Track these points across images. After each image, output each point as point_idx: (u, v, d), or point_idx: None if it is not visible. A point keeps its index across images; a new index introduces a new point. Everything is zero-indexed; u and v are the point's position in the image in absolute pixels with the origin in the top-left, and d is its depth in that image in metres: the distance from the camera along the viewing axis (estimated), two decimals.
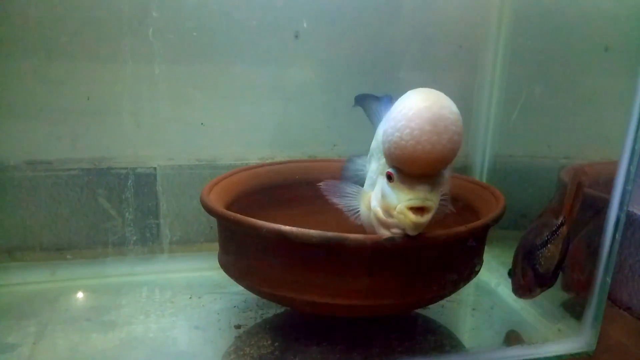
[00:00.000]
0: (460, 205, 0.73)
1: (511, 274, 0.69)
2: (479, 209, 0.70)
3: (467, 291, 0.78)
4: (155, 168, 0.82)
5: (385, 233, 0.55)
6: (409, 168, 0.52)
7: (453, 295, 0.67)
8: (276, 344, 0.64)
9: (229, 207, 0.67)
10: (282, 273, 0.58)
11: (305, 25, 0.82)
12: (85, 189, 0.80)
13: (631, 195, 0.61)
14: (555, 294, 0.72)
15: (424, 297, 0.60)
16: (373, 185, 0.59)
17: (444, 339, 0.66)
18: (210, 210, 0.62)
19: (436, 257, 0.59)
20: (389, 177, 0.54)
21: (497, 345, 0.66)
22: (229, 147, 0.85)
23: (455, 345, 0.66)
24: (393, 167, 0.53)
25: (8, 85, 0.74)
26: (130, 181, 0.81)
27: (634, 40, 0.65)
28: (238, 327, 0.67)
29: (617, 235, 0.62)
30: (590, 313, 0.65)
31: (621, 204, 0.61)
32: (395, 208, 0.53)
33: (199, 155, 0.84)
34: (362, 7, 0.84)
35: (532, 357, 0.65)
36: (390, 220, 0.54)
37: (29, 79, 0.75)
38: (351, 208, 0.62)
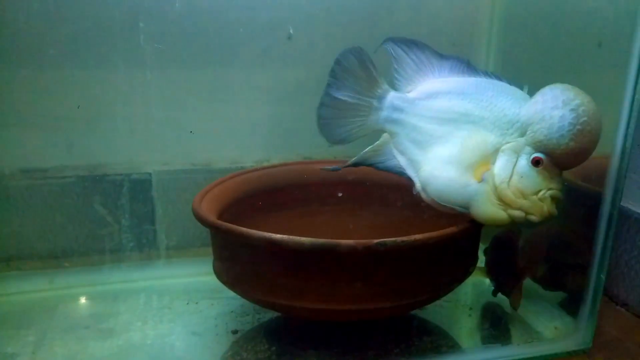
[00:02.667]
0: None
1: (485, 253, 0.74)
2: None
3: (464, 290, 0.78)
4: (150, 174, 0.82)
5: (494, 210, 0.57)
6: (570, 160, 0.56)
7: (450, 295, 0.67)
8: (273, 348, 0.64)
9: (222, 214, 0.67)
10: (276, 280, 0.58)
11: (297, 26, 0.81)
12: (81, 196, 0.80)
13: (624, 191, 0.61)
14: (551, 292, 0.73)
15: (418, 299, 0.60)
16: (485, 156, 0.58)
17: (440, 340, 0.67)
18: (201, 220, 0.62)
19: (428, 259, 0.59)
20: (537, 162, 0.55)
21: (493, 345, 0.66)
22: (223, 151, 0.85)
23: (451, 345, 0.66)
24: (543, 153, 0.55)
25: (1, 94, 0.74)
26: (125, 187, 0.81)
27: (626, 36, 0.64)
28: (235, 332, 0.68)
29: (610, 232, 0.62)
30: (585, 310, 0.65)
31: (613, 200, 0.61)
32: (535, 193, 0.56)
33: (194, 159, 0.84)
34: (353, 6, 0.84)
35: (528, 355, 0.65)
36: (520, 201, 0.56)
37: (23, 88, 0.75)
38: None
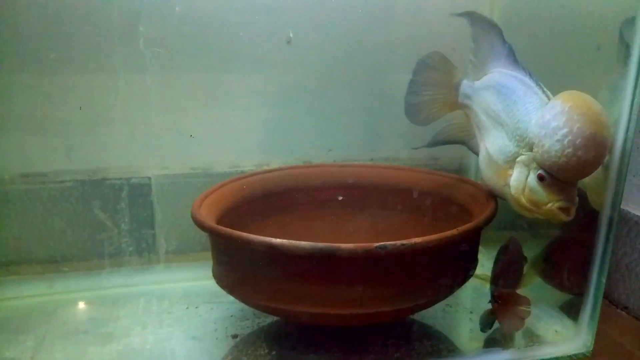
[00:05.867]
0: (455, 208, 0.74)
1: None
2: (473, 211, 0.70)
3: (465, 294, 0.78)
4: (149, 178, 0.82)
5: (520, 209, 0.61)
6: (568, 179, 0.57)
7: (450, 299, 0.67)
8: (273, 352, 0.64)
9: (221, 218, 0.67)
10: (275, 285, 0.58)
11: (296, 30, 0.81)
12: (81, 201, 0.80)
13: (624, 194, 0.61)
14: (551, 295, 0.73)
15: (418, 302, 0.60)
16: (507, 161, 0.61)
17: (441, 344, 0.67)
18: (200, 225, 0.62)
19: (429, 262, 0.59)
20: (541, 178, 0.57)
21: (494, 348, 0.66)
22: (223, 155, 0.85)
23: (452, 349, 0.66)
24: (546, 170, 0.57)
25: (1, 99, 0.74)
26: (125, 192, 0.81)
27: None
28: (235, 336, 0.68)
29: (610, 235, 0.62)
30: (586, 314, 0.65)
31: (613, 203, 0.61)
32: (545, 205, 0.57)
33: (193, 163, 0.84)
34: (353, 11, 0.84)
35: (529, 359, 0.65)
36: (534, 208, 0.59)
37: (23, 93, 0.75)
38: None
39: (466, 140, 0.73)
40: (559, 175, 0.56)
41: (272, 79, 0.84)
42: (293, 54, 0.83)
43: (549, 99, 0.58)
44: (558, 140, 0.54)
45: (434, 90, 0.73)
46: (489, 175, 0.65)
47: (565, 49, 0.76)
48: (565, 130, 0.53)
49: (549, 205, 0.57)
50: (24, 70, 0.74)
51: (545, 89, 0.60)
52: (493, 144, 0.64)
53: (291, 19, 0.82)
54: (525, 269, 0.69)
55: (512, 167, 0.61)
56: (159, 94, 0.79)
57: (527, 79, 0.62)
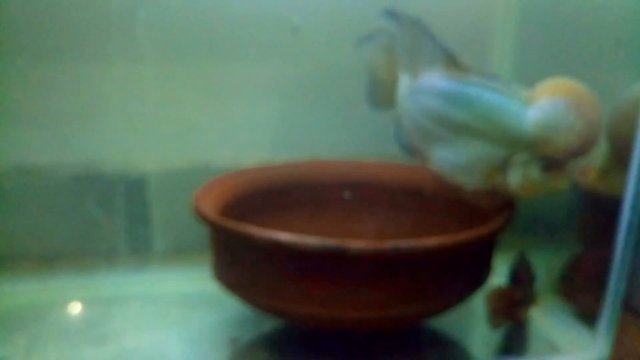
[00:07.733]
0: (468, 209, 0.71)
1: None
2: (486, 213, 0.67)
3: (478, 299, 0.76)
4: (146, 173, 0.81)
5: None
6: (573, 159, 0.59)
7: (462, 305, 0.65)
8: (273, 357, 0.63)
9: (222, 213, 0.65)
10: (279, 283, 0.56)
11: (303, 19, 0.80)
12: (75, 196, 0.79)
13: None
14: (568, 304, 0.72)
15: (429, 308, 0.58)
16: (494, 166, 0.61)
17: (453, 351, 0.65)
18: (202, 217, 0.60)
19: (442, 265, 0.57)
20: (548, 167, 0.59)
21: (507, 357, 0.65)
22: (223, 150, 0.84)
23: (464, 357, 0.65)
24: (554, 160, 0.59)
25: None
26: (120, 187, 0.80)
27: None
28: (234, 339, 0.66)
29: (630, 239, 0.60)
30: (603, 322, 0.63)
31: (633, 206, 0.59)
32: (549, 184, 0.60)
33: (192, 158, 0.83)
34: (362, 1, 0.82)
35: None
36: (537, 189, 0.61)
37: (16, 83, 0.74)
38: None
39: None
40: (569, 158, 0.58)
41: (276, 70, 0.83)
42: (299, 43, 0.81)
43: (523, 92, 0.59)
44: (579, 136, 0.56)
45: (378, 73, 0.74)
46: (471, 180, 0.64)
47: (583, 44, 0.75)
48: (581, 125, 0.55)
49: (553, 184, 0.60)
50: (17, 60, 0.73)
51: (508, 84, 0.60)
52: (463, 152, 0.62)
53: (297, 7, 0.80)
54: (542, 287, 0.69)
55: (502, 169, 0.61)
56: (158, 85, 0.78)
57: (485, 81, 0.60)
